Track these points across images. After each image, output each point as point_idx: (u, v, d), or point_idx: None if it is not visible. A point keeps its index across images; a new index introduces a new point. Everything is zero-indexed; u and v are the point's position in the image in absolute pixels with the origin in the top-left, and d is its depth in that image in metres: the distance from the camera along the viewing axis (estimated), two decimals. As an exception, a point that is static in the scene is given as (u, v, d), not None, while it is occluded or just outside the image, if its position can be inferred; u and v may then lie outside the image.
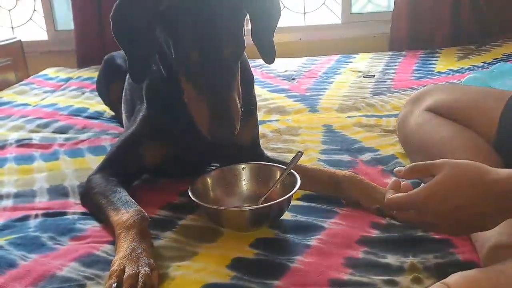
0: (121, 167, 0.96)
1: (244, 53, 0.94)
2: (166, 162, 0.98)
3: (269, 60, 0.94)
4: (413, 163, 0.74)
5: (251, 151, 1.02)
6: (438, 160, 0.69)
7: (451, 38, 2.47)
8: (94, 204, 0.87)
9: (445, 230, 0.68)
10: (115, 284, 0.63)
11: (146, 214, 0.78)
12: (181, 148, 0.96)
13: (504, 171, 0.64)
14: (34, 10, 2.88)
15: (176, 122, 0.93)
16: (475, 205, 0.64)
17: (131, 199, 0.83)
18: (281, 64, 2.31)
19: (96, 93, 1.94)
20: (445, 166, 0.67)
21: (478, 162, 0.67)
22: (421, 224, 0.70)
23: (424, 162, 0.72)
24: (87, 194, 0.91)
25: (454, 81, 1.75)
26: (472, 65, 2.00)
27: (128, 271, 0.65)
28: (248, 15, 0.88)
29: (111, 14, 0.84)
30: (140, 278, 0.64)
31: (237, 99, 0.82)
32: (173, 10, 0.80)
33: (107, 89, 1.46)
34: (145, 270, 0.65)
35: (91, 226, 0.85)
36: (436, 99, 1.00)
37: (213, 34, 0.79)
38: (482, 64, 2.01)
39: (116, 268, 0.66)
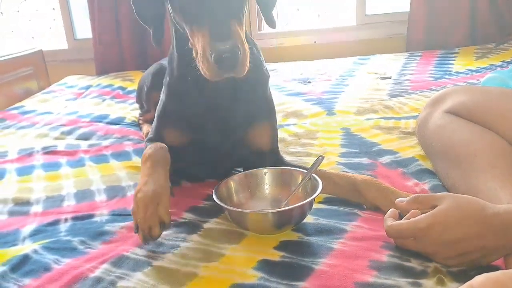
0: (158, 135, 1.05)
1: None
2: (187, 151, 1.01)
3: (273, 23, 0.98)
4: (416, 194, 0.77)
5: (270, 156, 1.03)
6: (440, 193, 0.72)
7: (469, 37, 2.45)
8: None
9: (443, 259, 0.69)
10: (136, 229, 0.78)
11: (163, 145, 0.93)
12: (198, 136, 0.99)
13: (501, 206, 0.67)
14: (54, 19, 2.96)
15: (192, 111, 0.97)
16: (475, 238, 0.66)
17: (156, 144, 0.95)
18: (297, 67, 2.32)
19: (116, 100, 2.00)
20: (448, 198, 0.69)
21: (477, 198, 0.70)
22: (419, 251, 0.71)
23: (426, 194, 0.76)
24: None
25: (472, 81, 1.74)
26: (491, 64, 1.97)
27: (141, 214, 0.77)
28: None
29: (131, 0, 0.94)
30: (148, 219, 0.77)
31: (243, 37, 0.81)
32: None
33: (147, 95, 1.51)
34: (150, 212, 0.77)
35: (119, 228, 0.87)
36: (457, 101, 1.00)
37: None
38: (501, 63, 1.98)
39: (134, 208, 0.79)
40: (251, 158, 1.02)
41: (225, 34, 0.77)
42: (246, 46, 0.80)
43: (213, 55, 0.76)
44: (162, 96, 1.05)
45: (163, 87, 1.05)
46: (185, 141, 1.01)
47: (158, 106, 1.07)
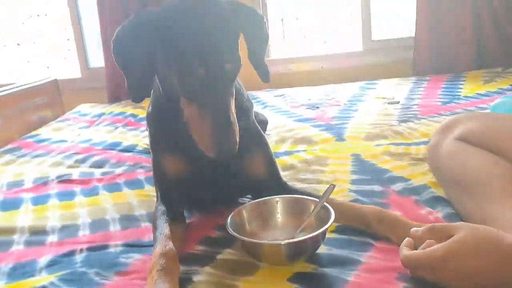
0: (161, 192, 1.02)
1: (238, 82, 1.00)
2: (188, 179, 1.00)
3: (266, 78, 0.99)
4: (431, 224, 0.76)
5: (272, 182, 1.03)
6: (456, 223, 0.72)
7: (476, 61, 2.47)
8: None
9: None
10: None
11: (168, 249, 0.79)
12: (192, 168, 0.99)
13: None
14: (68, 50, 3.04)
15: (179, 140, 0.97)
16: (494, 270, 0.65)
17: (162, 232, 0.86)
18: (304, 93, 2.35)
19: (128, 127, 2.03)
20: (464, 228, 0.69)
21: (495, 229, 0.69)
22: (436, 283, 0.70)
23: (442, 224, 0.75)
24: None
25: (482, 105, 1.75)
26: (500, 88, 1.98)
27: None
28: (242, 35, 0.93)
29: (113, 38, 0.89)
30: None
31: (235, 116, 0.85)
32: (174, 33, 0.85)
33: None
34: None
35: (133, 260, 0.88)
36: (467, 128, 1.00)
37: (215, 49, 0.83)
38: (510, 86, 1.99)
39: None
40: (253, 187, 1.04)
41: (226, 127, 0.81)
42: (236, 122, 0.84)
43: (214, 153, 0.82)
44: (149, 130, 1.07)
45: (148, 118, 1.07)
46: (180, 170, 0.99)
47: (149, 142, 1.08)
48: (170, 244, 0.81)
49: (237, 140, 0.83)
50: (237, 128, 0.84)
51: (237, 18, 0.91)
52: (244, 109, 1.02)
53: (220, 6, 0.90)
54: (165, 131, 1.02)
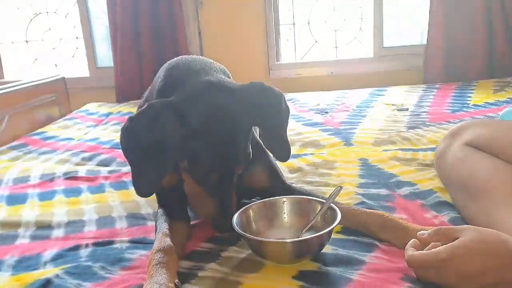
0: (159, 198, 1.03)
1: None
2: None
3: (283, 157, 0.98)
4: (437, 227, 0.76)
5: (275, 188, 1.03)
6: (462, 225, 0.73)
7: (486, 71, 2.46)
8: None
9: None
10: None
11: (165, 244, 0.80)
12: None
13: None
14: (76, 48, 3.07)
15: None
16: (498, 271, 0.65)
17: (160, 231, 0.88)
18: (314, 98, 2.35)
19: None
20: (470, 230, 0.70)
21: (500, 232, 0.70)
22: (440, 283, 0.70)
23: (447, 227, 0.76)
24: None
25: (491, 114, 1.74)
26: (509, 98, 1.98)
27: None
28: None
29: (123, 125, 0.85)
30: None
31: (234, 196, 0.91)
32: (192, 134, 0.83)
33: None
34: None
35: (138, 255, 0.88)
36: (476, 134, 1.00)
37: (229, 158, 0.86)
38: (519, 96, 1.99)
39: None
40: (256, 193, 1.05)
41: (227, 212, 0.87)
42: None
43: (213, 228, 0.90)
44: None
45: None
46: (175, 180, 0.96)
47: None
48: (167, 240, 0.82)
49: (234, 217, 0.87)
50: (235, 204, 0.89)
51: (253, 107, 0.88)
52: None
53: (235, 97, 0.87)
54: None
